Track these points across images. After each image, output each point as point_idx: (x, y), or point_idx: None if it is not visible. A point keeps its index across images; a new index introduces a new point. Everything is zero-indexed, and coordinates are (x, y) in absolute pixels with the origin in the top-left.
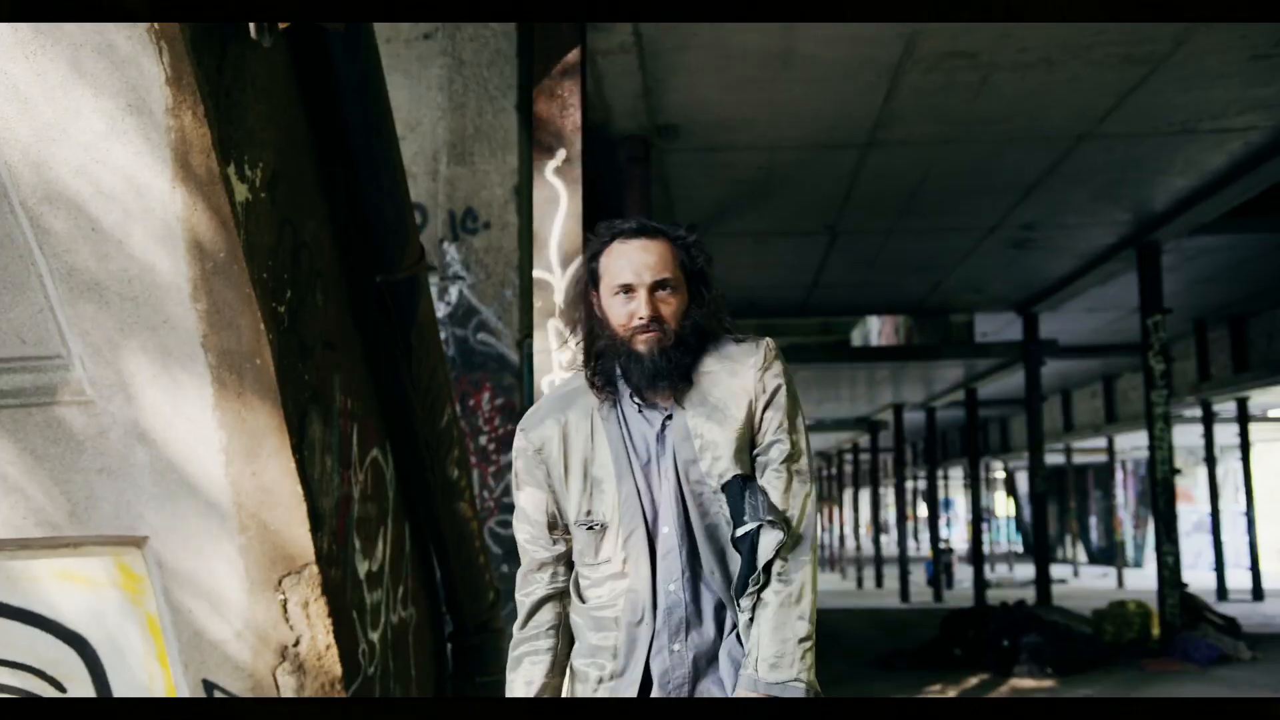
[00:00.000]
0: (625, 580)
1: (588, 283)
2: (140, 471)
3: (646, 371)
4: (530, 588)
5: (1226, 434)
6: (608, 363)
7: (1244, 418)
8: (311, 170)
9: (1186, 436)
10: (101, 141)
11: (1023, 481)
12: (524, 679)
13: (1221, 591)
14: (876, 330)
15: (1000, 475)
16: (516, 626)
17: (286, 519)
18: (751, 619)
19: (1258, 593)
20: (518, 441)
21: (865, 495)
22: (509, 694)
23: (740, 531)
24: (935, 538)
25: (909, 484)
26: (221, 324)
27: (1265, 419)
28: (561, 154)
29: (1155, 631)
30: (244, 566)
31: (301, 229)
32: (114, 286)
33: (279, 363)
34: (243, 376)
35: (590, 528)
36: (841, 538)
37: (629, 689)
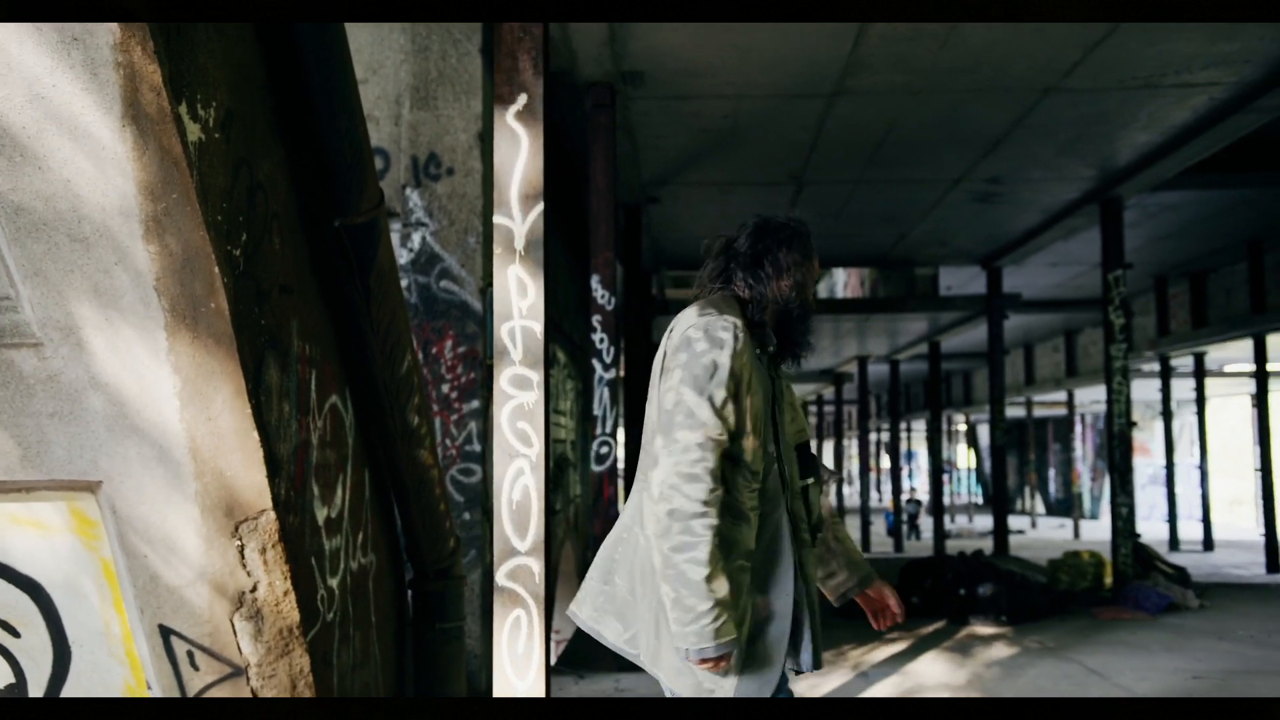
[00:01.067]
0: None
1: (801, 256)
2: (93, 416)
3: (809, 335)
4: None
5: (1183, 389)
6: (766, 318)
7: (1201, 373)
8: (267, 111)
9: (1144, 391)
10: (46, 77)
11: (984, 434)
12: None
13: (1173, 542)
14: (842, 283)
15: (962, 428)
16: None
17: (243, 465)
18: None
19: (1208, 543)
20: (735, 342)
21: (829, 447)
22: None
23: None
24: (897, 489)
25: (872, 436)
26: (175, 267)
27: (1221, 374)
28: (523, 98)
29: (1108, 581)
30: (200, 512)
31: (257, 170)
32: (62, 227)
33: (234, 307)
34: (197, 320)
35: (768, 453)
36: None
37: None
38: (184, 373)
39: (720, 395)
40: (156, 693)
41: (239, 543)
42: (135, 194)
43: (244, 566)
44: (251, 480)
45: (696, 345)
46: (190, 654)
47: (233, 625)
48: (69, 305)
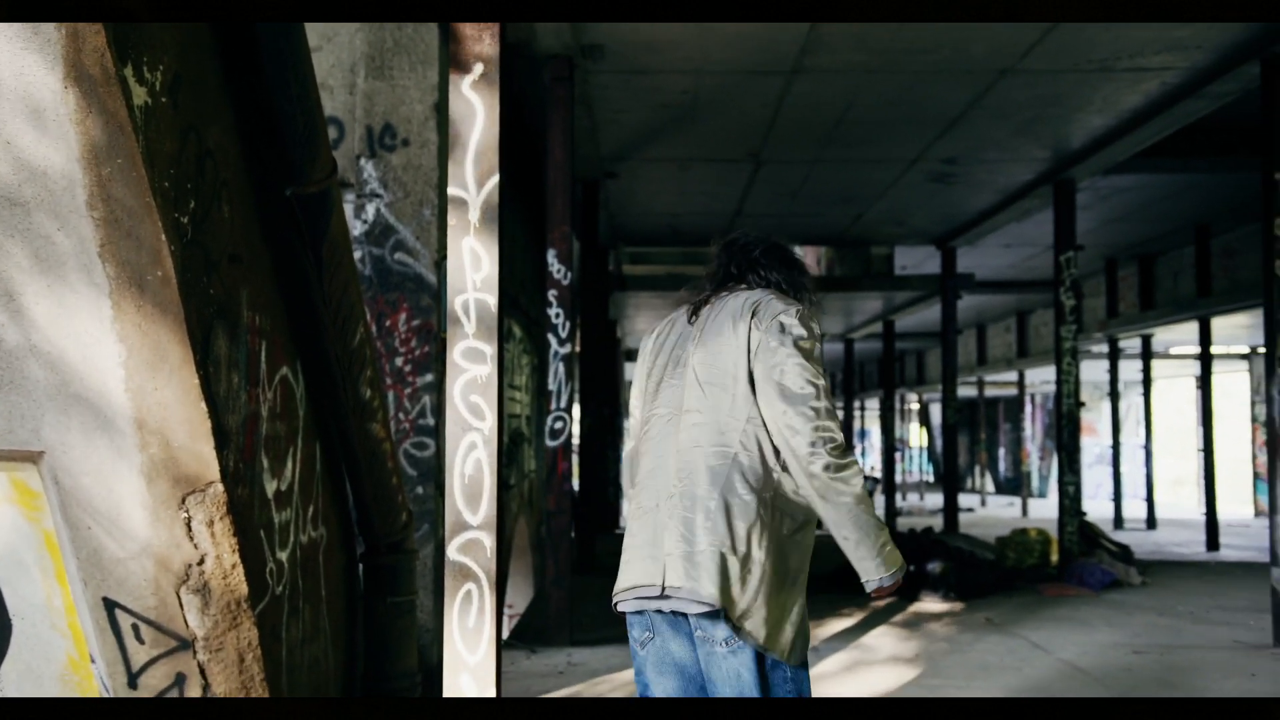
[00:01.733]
0: None
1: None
2: (35, 385)
3: None
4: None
5: (1131, 370)
6: None
7: (1148, 354)
8: (216, 75)
9: (1093, 372)
10: None
11: (936, 413)
12: None
13: (1118, 520)
14: None
15: (915, 407)
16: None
17: (190, 436)
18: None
19: (1151, 522)
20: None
21: None
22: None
23: None
24: None
25: None
26: (120, 234)
27: (1168, 356)
28: (479, 68)
29: (1054, 558)
30: (145, 484)
31: (206, 136)
32: (2, 191)
33: (182, 276)
34: (143, 289)
35: None
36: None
37: None
38: (129, 342)
39: (825, 379)
40: (99, 666)
41: (186, 515)
42: (78, 158)
43: (191, 539)
44: (199, 452)
45: (802, 329)
46: (135, 627)
47: (179, 598)
48: (8, 271)
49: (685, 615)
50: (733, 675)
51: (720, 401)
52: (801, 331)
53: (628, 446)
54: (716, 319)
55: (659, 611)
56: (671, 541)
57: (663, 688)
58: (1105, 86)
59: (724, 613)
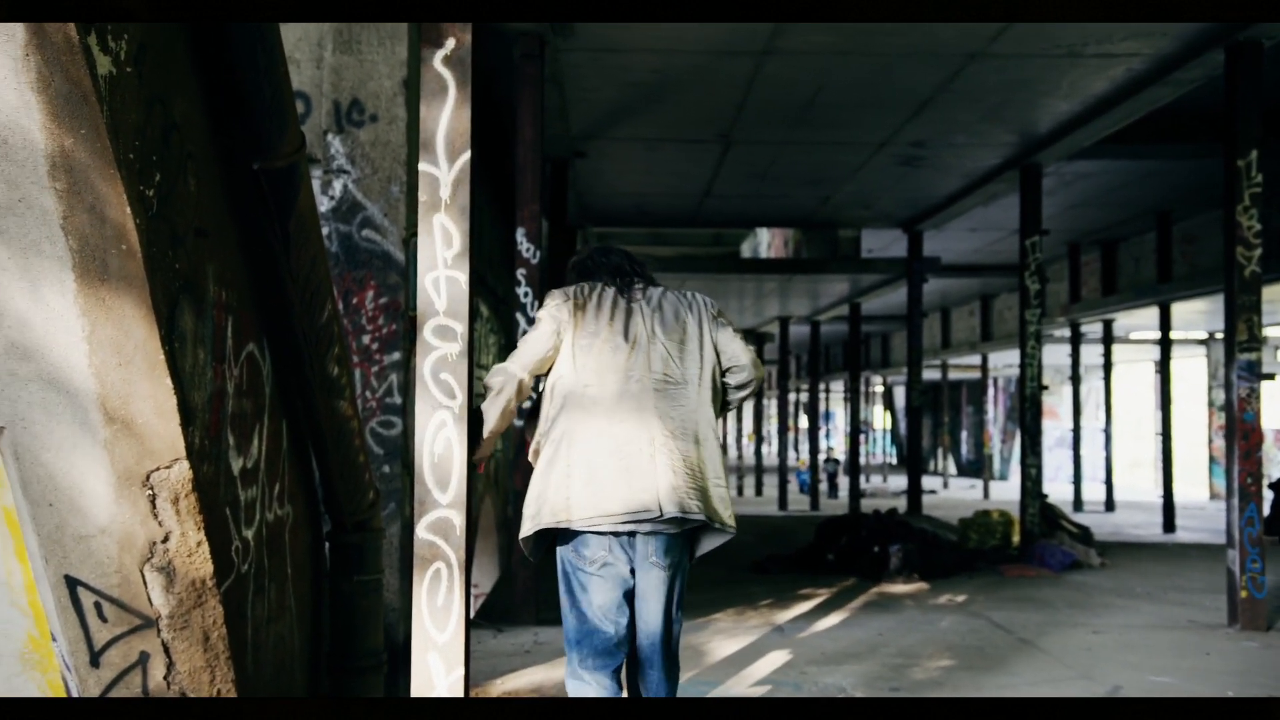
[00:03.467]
0: None
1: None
2: None
3: None
4: None
5: (1092, 354)
6: None
7: (1109, 339)
8: (182, 45)
9: (1055, 355)
10: None
11: (900, 396)
12: None
13: (1078, 502)
14: (766, 243)
15: (879, 389)
16: None
17: (155, 412)
18: None
19: (1110, 504)
20: None
21: (748, 406)
22: None
23: None
24: (815, 449)
25: (791, 396)
26: (83, 206)
27: (1128, 340)
28: (451, 43)
29: (1016, 539)
30: (109, 460)
31: (172, 108)
32: None
33: (147, 249)
34: (107, 263)
35: None
36: (724, 447)
37: None
38: (93, 316)
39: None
40: (60, 644)
41: (150, 492)
42: (39, 128)
43: (155, 516)
44: (164, 428)
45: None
46: (98, 605)
47: (143, 576)
48: None
49: (645, 535)
50: (683, 571)
51: (692, 374)
52: (727, 319)
53: (514, 385)
54: (664, 311)
55: (619, 534)
56: (669, 476)
57: (612, 600)
58: (1073, 72)
59: (719, 523)
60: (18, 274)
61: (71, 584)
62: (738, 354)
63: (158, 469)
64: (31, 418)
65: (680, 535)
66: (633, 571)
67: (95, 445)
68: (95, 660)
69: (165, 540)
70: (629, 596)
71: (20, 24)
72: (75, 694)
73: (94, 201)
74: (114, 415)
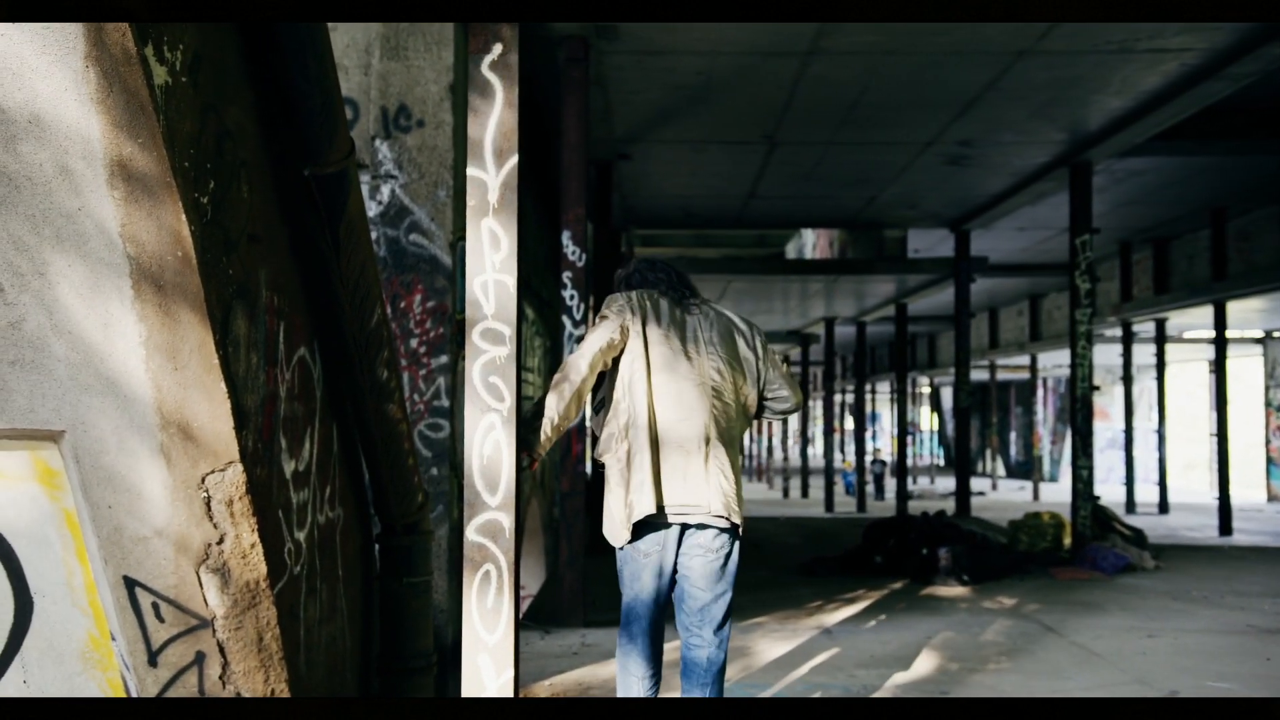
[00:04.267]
0: None
1: None
2: (56, 364)
3: None
4: None
5: (1144, 354)
6: None
7: (1161, 338)
8: (235, 54)
9: (1106, 355)
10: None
11: (947, 397)
12: None
13: (1130, 504)
14: (811, 244)
15: (926, 390)
16: None
17: (210, 416)
18: None
19: (1164, 506)
20: None
21: None
22: None
23: None
24: (861, 450)
25: (837, 397)
26: (140, 213)
27: (1181, 340)
28: (498, 48)
29: (1067, 541)
30: (165, 463)
31: (225, 116)
32: (23, 170)
33: (201, 256)
34: (163, 269)
35: None
36: (770, 449)
37: None
38: (149, 322)
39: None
40: (119, 644)
41: (205, 494)
42: (99, 138)
43: (210, 519)
44: (218, 432)
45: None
46: (155, 606)
47: (199, 577)
48: (30, 250)
49: (696, 527)
50: (733, 557)
51: (740, 392)
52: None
53: (579, 374)
54: (717, 327)
55: (674, 525)
56: (720, 481)
57: (655, 586)
58: (1124, 68)
59: (735, 525)
60: (77, 281)
61: (130, 585)
62: (781, 382)
63: (212, 472)
64: (91, 421)
65: (725, 530)
66: (677, 559)
67: (152, 449)
68: (153, 660)
69: (220, 542)
70: (670, 580)
71: (80, 36)
72: (134, 693)
73: (151, 209)
74: (170, 419)
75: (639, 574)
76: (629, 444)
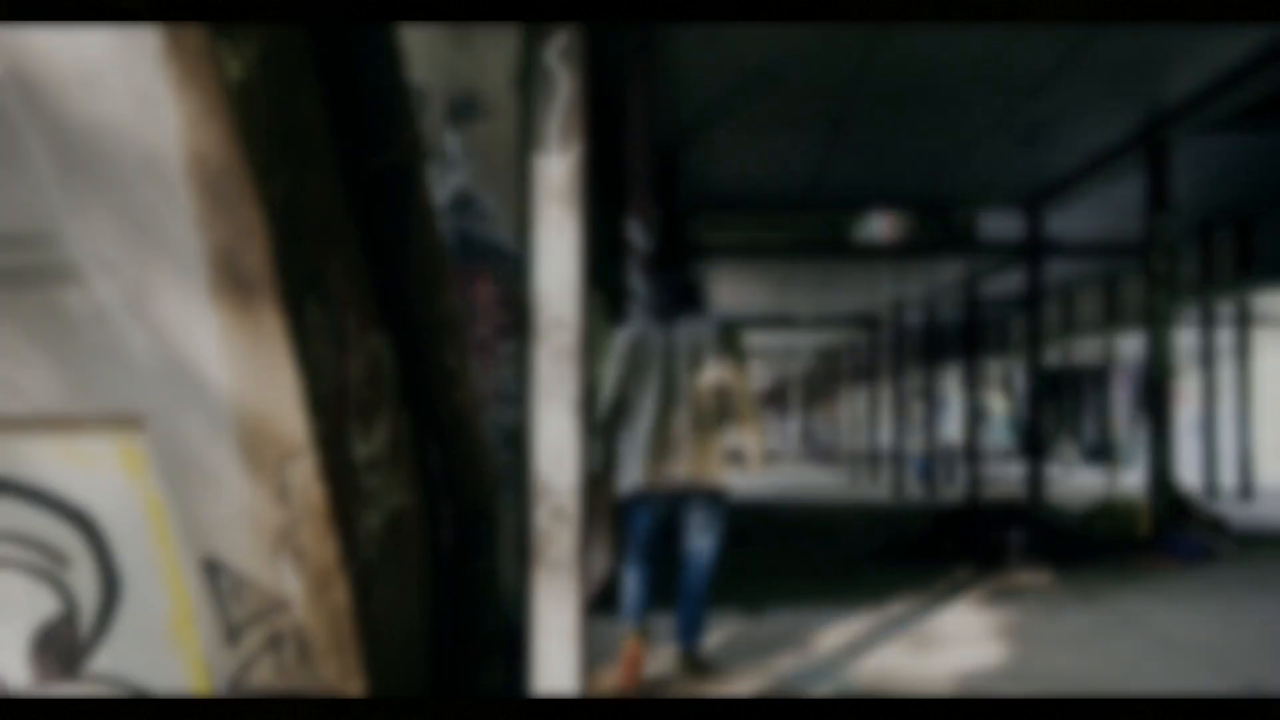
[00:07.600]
0: None
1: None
2: (138, 353)
3: None
4: None
5: (1226, 336)
6: None
7: (1244, 320)
8: (306, 49)
9: (1185, 338)
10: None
11: (1020, 381)
12: None
13: (1211, 491)
14: (878, 227)
15: (998, 374)
16: None
17: (284, 403)
18: None
19: (1247, 492)
20: None
21: (861, 393)
22: None
23: None
24: (931, 436)
25: (906, 382)
26: (216, 205)
27: (1267, 323)
28: (564, 37)
29: (1144, 528)
30: (242, 449)
31: (296, 109)
32: (106, 165)
33: (275, 246)
34: (238, 259)
35: None
36: (839, 434)
37: None
38: (225, 310)
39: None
40: (203, 624)
41: (280, 480)
42: (176, 132)
43: (285, 503)
44: (292, 418)
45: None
46: (235, 587)
47: (275, 560)
48: (113, 243)
49: (687, 495)
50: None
51: (697, 388)
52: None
53: (610, 400)
54: (686, 337)
55: (662, 495)
56: (699, 456)
57: (650, 533)
58: (1206, 40)
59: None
60: (157, 271)
61: (210, 567)
62: (737, 397)
63: (287, 457)
64: (171, 409)
65: (698, 495)
66: (670, 516)
67: (229, 435)
68: (233, 640)
69: (295, 525)
70: (662, 529)
71: (158, 33)
72: (216, 672)
73: (225, 201)
74: (246, 406)
75: (645, 528)
76: (630, 434)
